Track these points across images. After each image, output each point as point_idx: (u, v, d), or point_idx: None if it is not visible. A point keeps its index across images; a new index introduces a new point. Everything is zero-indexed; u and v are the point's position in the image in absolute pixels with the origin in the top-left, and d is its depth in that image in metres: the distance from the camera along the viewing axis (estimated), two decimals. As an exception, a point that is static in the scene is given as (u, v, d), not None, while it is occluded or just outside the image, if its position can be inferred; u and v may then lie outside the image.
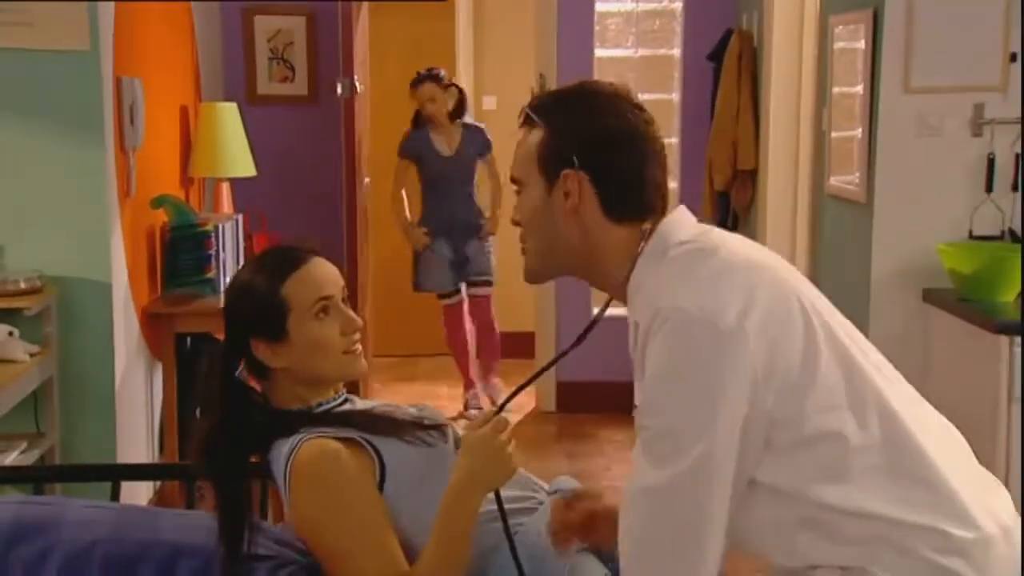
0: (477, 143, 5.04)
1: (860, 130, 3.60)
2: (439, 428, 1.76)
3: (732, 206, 4.98)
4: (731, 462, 1.33)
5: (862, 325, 3.57)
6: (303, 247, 1.78)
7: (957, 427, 1.52)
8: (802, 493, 1.35)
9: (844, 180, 3.78)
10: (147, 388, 3.80)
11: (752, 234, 4.87)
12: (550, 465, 4.48)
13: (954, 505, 1.35)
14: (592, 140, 1.44)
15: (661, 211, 1.47)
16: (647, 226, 1.45)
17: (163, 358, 3.83)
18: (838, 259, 3.89)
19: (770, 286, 1.39)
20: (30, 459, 3.02)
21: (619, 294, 1.49)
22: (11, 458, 2.96)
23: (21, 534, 1.73)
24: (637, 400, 1.49)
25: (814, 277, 4.16)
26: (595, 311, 1.60)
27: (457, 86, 5.06)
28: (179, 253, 3.87)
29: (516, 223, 1.52)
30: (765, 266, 1.44)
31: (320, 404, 1.75)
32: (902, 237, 3.48)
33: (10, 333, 3.02)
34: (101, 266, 3.32)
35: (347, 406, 1.79)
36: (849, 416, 1.36)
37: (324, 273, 1.74)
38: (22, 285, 3.10)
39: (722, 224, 5.08)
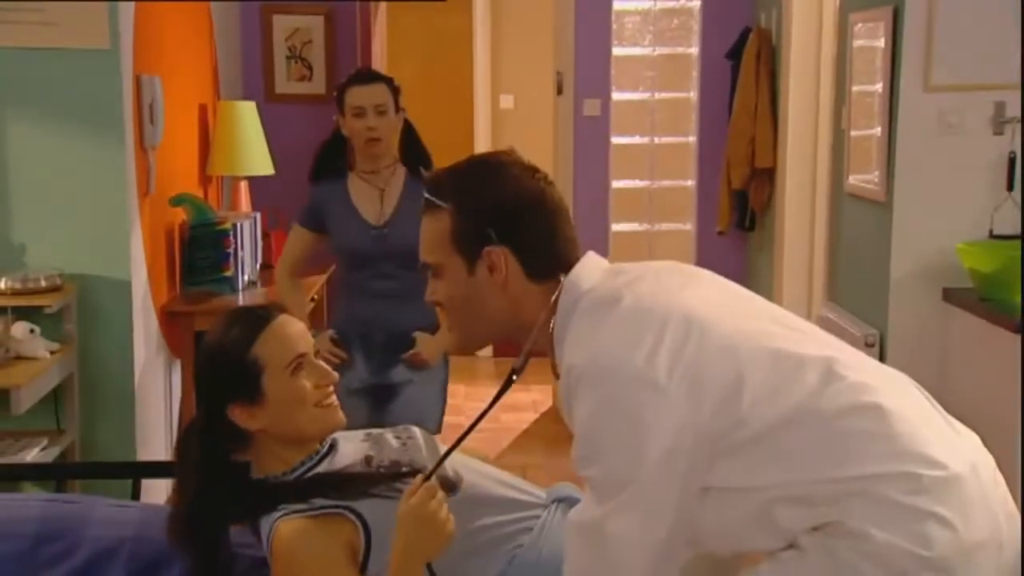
0: None
1: (879, 128, 3.58)
2: (418, 472, 1.70)
3: (750, 205, 4.97)
4: (670, 494, 1.34)
5: (881, 324, 3.57)
6: (268, 306, 1.77)
7: (976, 426, 1.51)
8: (769, 481, 1.36)
9: (863, 179, 3.76)
10: (166, 386, 3.82)
11: (770, 233, 4.86)
12: (566, 463, 4.48)
13: (917, 448, 1.36)
14: (503, 213, 1.47)
15: (575, 260, 1.52)
16: (562, 276, 1.50)
17: (182, 356, 3.84)
18: (857, 258, 3.87)
19: (679, 315, 1.41)
20: (50, 456, 3.04)
21: (545, 347, 1.51)
22: (32, 455, 2.98)
23: (48, 533, 1.76)
24: (573, 451, 1.52)
25: (833, 276, 4.14)
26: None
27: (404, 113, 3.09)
28: (197, 251, 3.89)
29: (436, 303, 1.54)
30: (671, 297, 1.45)
31: (303, 463, 1.72)
32: (922, 236, 3.46)
33: (31, 331, 3.04)
34: (120, 264, 3.33)
35: (328, 460, 1.74)
36: (791, 395, 1.37)
37: (295, 330, 1.73)
38: (43, 283, 3.12)
39: (740, 223, 5.07)
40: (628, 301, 1.43)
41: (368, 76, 3.06)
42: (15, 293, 3.07)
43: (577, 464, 1.41)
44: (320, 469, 1.71)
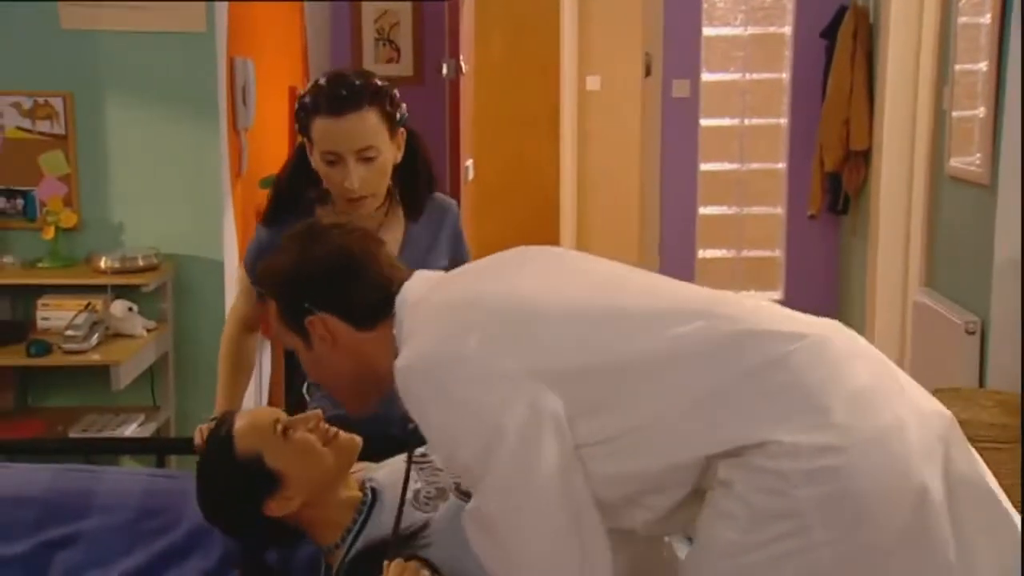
0: (440, 248, 2.16)
1: (983, 109, 3.45)
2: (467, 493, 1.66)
3: (843, 188, 4.86)
4: (533, 462, 1.30)
5: (983, 312, 3.45)
6: (221, 417, 1.77)
7: None
8: (646, 418, 1.33)
9: (965, 161, 3.64)
10: (256, 364, 3.88)
11: (864, 216, 4.73)
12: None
13: (771, 330, 1.35)
14: (310, 282, 1.53)
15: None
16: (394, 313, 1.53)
17: (271, 335, 3.89)
18: (958, 244, 3.75)
19: (496, 300, 1.41)
20: (147, 432, 3.11)
21: None
22: (130, 430, 3.06)
23: (151, 506, 1.80)
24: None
25: (930, 261, 4.02)
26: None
27: (407, 128, 2.05)
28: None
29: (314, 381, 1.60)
30: (490, 285, 1.46)
31: (354, 520, 1.68)
32: (1028, 221, 3.34)
33: (129, 308, 3.11)
34: (214, 244, 3.39)
35: (376, 511, 1.69)
36: (640, 338, 1.35)
37: (258, 414, 1.73)
38: (140, 262, 3.19)
39: (832, 207, 4.95)
40: (437, 300, 1.46)
41: (347, 101, 1.91)
42: (114, 272, 3.14)
43: (441, 466, 1.44)
44: (371, 524, 1.68)
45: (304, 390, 2.29)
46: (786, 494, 1.26)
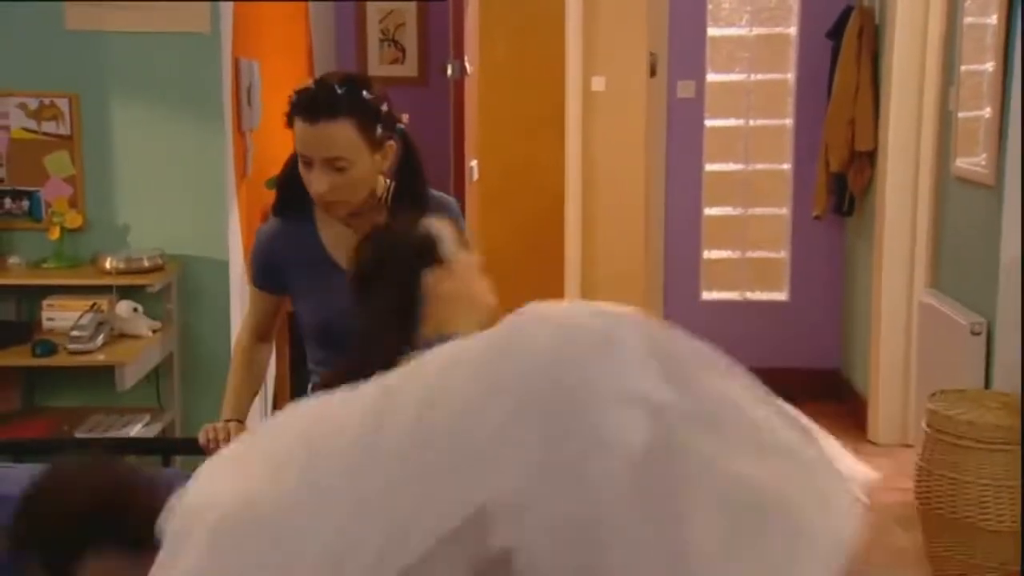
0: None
1: (989, 109, 3.45)
2: None
3: (849, 188, 4.85)
4: None
5: (988, 313, 3.44)
6: None
7: None
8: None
9: (971, 162, 3.63)
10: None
11: (870, 217, 4.73)
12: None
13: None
14: (84, 528, 1.45)
15: None
16: None
17: (276, 336, 3.90)
18: (963, 245, 3.74)
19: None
20: (152, 432, 3.11)
21: None
22: (135, 430, 3.06)
23: None
24: None
25: (935, 262, 4.01)
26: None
27: (401, 133, 2.04)
28: (293, 233, 3.93)
29: None
30: None
31: None
32: (1034, 221, 3.33)
33: (135, 309, 3.12)
34: (219, 245, 3.39)
35: None
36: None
37: None
38: (145, 263, 3.19)
39: (837, 208, 4.94)
40: None
41: (322, 109, 1.90)
42: (120, 272, 3.15)
43: None
44: None
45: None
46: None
